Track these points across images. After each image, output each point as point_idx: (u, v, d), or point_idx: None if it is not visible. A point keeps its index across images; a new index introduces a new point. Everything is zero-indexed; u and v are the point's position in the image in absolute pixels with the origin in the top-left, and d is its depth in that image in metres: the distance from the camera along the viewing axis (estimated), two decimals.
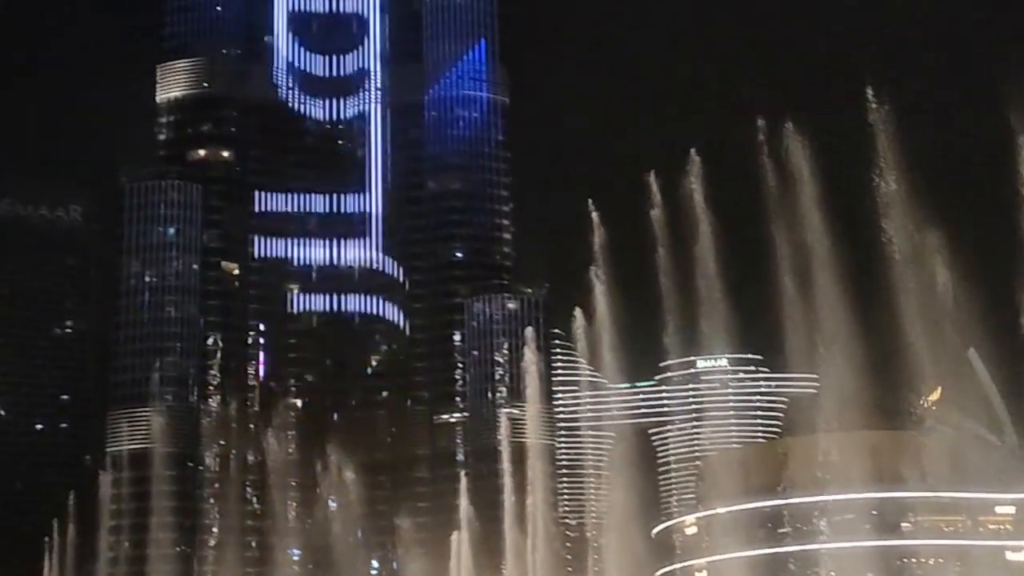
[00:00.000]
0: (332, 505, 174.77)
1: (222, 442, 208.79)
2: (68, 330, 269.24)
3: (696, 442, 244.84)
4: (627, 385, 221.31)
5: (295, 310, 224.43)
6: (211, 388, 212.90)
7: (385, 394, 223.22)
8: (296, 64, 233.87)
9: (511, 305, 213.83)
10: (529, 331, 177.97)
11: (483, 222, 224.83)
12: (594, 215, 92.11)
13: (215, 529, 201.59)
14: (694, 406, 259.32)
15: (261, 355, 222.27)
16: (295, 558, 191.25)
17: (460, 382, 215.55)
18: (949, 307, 72.36)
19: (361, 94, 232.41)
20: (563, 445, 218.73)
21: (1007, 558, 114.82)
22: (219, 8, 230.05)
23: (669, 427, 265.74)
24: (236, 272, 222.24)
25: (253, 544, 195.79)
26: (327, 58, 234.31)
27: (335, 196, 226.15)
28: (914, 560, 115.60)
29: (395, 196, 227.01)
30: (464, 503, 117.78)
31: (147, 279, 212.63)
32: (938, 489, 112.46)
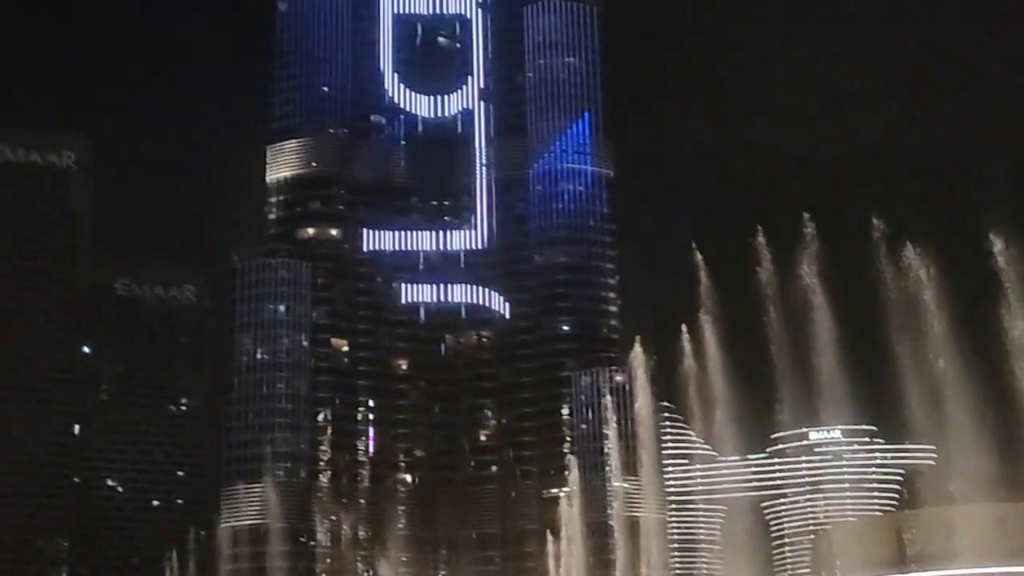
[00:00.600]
0: None
1: (333, 517, 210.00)
2: (183, 407, 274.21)
3: (811, 515, 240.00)
4: (739, 458, 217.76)
5: (404, 385, 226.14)
6: (322, 463, 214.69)
7: (494, 468, 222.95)
8: (402, 141, 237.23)
9: (619, 378, 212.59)
10: (639, 404, 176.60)
11: (589, 295, 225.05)
12: (703, 286, 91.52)
13: None
14: (808, 478, 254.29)
15: (371, 430, 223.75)
16: None
17: (569, 456, 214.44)
18: None
19: (467, 168, 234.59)
20: (675, 519, 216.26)
21: None
22: (326, 89, 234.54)
23: (783, 500, 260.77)
24: (345, 348, 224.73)
25: None
26: (434, 133, 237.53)
27: (443, 281, 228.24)
28: None
29: (502, 270, 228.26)
30: None
31: (258, 356, 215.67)
32: None
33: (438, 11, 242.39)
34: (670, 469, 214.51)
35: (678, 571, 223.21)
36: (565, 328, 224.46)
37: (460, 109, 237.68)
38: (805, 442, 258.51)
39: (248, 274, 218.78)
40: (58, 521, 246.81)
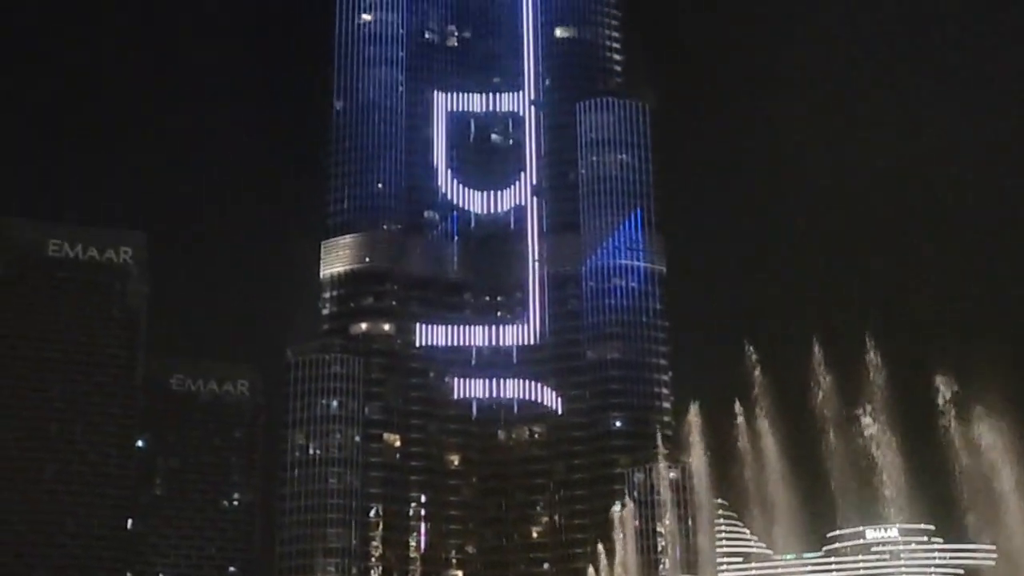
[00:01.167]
0: None
1: None
2: (235, 502, 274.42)
3: None
4: (794, 556, 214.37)
5: (456, 481, 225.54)
6: (373, 559, 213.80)
7: (546, 566, 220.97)
8: (456, 236, 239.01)
9: (672, 474, 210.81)
10: (695, 502, 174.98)
11: (642, 391, 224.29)
12: (757, 384, 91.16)
13: None
14: None
15: (422, 526, 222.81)
16: None
17: (623, 553, 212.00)
18: None
19: (519, 264, 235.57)
20: None
21: None
22: (380, 185, 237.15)
23: None
24: (397, 443, 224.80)
25: None
26: (487, 229, 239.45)
27: (495, 377, 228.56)
28: None
29: (554, 365, 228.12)
30: None
31: (311, 451, 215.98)
32: None
33: (491, 108, 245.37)
34: (725, 567, 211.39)
35: None
36: (618, 424, 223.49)
37: (513, 205, 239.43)
38: (862, 541, 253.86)
39: (301, 369, 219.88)
40: None
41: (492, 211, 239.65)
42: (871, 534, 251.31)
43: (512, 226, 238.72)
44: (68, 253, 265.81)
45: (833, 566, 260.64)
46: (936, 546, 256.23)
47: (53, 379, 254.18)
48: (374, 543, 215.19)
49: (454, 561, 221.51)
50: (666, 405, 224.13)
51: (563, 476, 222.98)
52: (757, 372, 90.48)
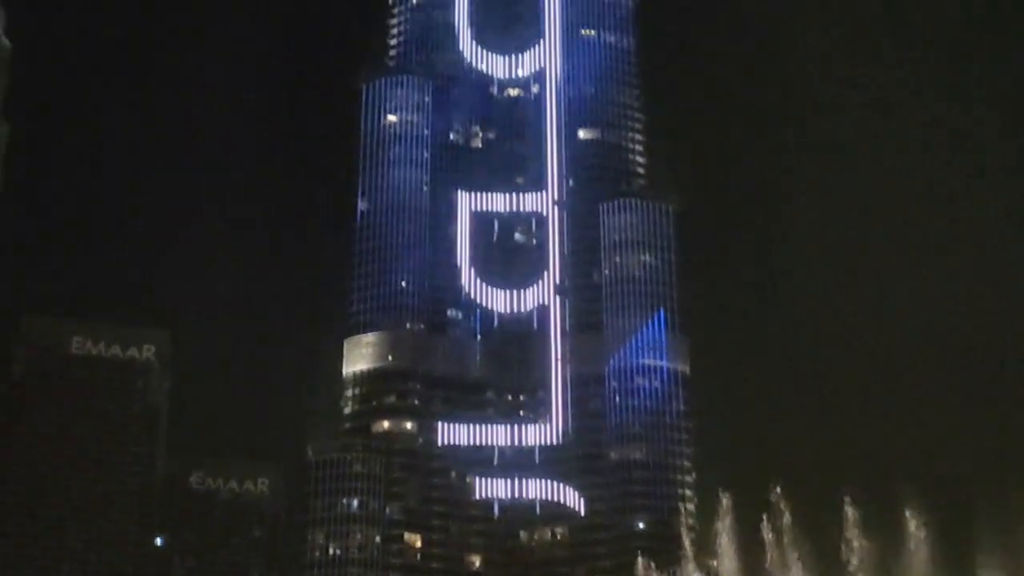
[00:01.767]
0: None
1: None
2: None
3: None
4: None
5: None
6: None
7: None
8: (479, 335, 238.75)
9: None
10: None
11: (665, 493, 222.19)
12: (782, 506, 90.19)
13: None
14: None
15: None
16: None
17: None
18: None
19: (542, 364, 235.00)
20: None
21: None
22: (404, 284, 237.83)
23: None
24: (418, 544, 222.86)
25: None
26: (510, 328, 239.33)
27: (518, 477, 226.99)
28: None
29: (577, 466, 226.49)
30: None
31: (331, 551, 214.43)
32: None
33: (515, 208, 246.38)
34: None
35: None
36: (641, 526, 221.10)
37: (536, 305, 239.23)
38: None
39: (322, 468, 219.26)
40: None
41: (515, 310, 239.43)
42: None
43: (535, 325, 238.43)
44: (91, 350, 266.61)
45: None
46: None
47: (72, 476, 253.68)
48: None
49: None
50: (690, 507, 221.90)
51: None
52: (783, 509, 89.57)
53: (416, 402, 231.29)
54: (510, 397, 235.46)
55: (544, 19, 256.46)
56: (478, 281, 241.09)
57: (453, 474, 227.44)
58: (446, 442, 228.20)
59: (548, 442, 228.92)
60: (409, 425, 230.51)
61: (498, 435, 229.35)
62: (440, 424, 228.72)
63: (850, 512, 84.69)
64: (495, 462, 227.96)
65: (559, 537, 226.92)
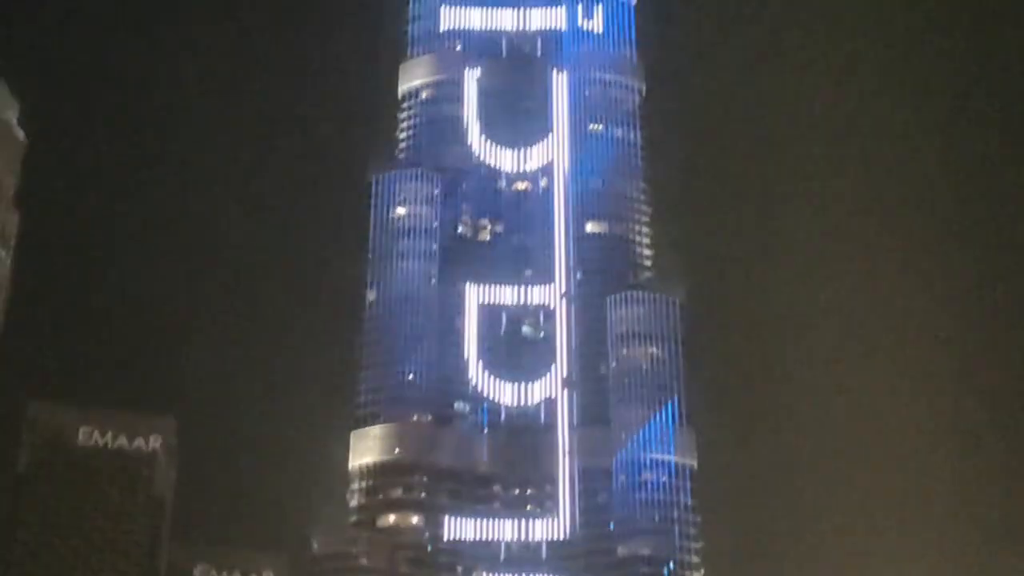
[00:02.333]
0: None
1: None
2: None
3: None
4: None
5: None
6: None
7: None
8: (485, 429, 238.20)
9: None
10: None
11: None
12: None
13: None
14: None
15: None
16: None
17: None
18: None
19: (550, 457, 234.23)
20: None
21: None
22: (411, 376, 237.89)
23: None
24: None
25: None
26: (517, 422, 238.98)
27: (525, 572, 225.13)
28: None
29: (584, 561, 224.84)
30: None
31: None
32: None
33: (523, 301, 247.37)
34: None
35: None
36: None
37: (543, 397, 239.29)
38: None
39: (328, 561, 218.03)
40: None
41: (523, 403, 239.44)
42: None
43: (542, 419, 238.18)
44: (98, 440, 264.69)
45: None
46: None
47: (76, 566, 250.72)
48: None
49: None
50: None
51: None
52: None
53: (422, 495, 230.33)
54: (517, 491, 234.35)
55: (552, 113, 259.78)
56: (486, 374, 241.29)
57: (460, 569, 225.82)
58: (452, 536, 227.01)
59: (555, 537, 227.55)
60: (415, 519, 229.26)
61: (505, 530, 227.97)
62: (446, 518, 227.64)
63: None
64: (502, 558, 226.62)
65: None
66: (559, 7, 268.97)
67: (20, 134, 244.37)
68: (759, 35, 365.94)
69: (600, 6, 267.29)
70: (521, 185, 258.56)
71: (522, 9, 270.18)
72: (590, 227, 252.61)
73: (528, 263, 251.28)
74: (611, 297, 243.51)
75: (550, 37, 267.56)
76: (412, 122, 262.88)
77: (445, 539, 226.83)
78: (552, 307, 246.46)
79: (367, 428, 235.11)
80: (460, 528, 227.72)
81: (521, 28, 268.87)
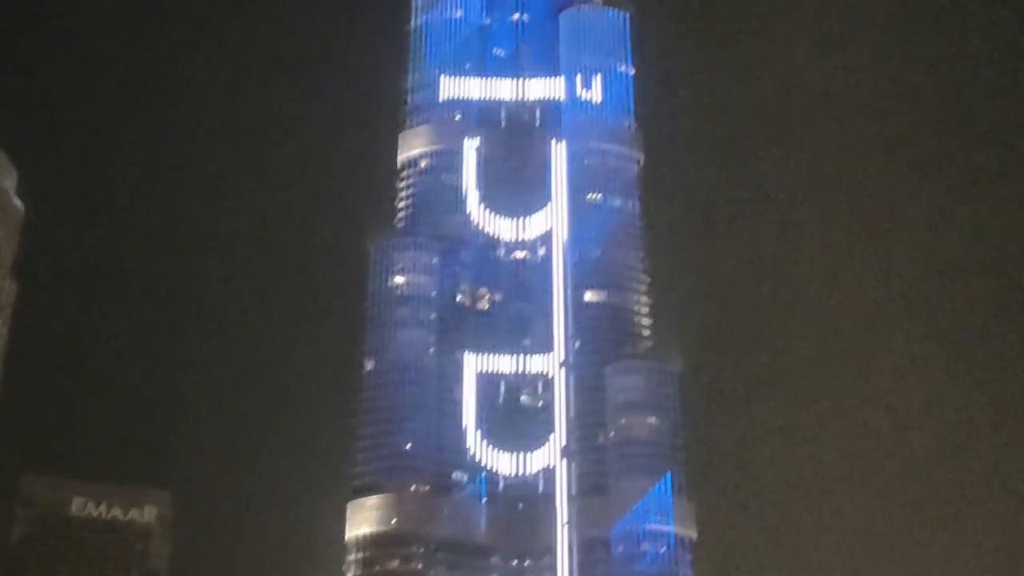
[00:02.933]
0: None
1: None
2: None
3: None
4: None
5: None
6: None
7: None
8: (484, 498, 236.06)
9: None
10: None
11: None
12: None
13: None
14: None
15: None
16: None
17: None
18: None
19: (548, 527, 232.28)
20: None
21: None
22: (408, 446, 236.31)
23: None
24: None
25: None
26: (515, 491, 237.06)
27: None
28: None
29: None
30: None
31: None
32: None
33: (521, 370, 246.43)
34: None
35: None
36: None
37: (542, 467, 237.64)
38: None
39: None
40: None
41: (521, 473, 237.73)
42: None
43: (541, 488, 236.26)
44: (92, 512, 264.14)
45: None
46: None
47: None
48: None
49: None
50: None
51: None
52: None
53: (420, 567, 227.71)
54: (515, 561, 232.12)
55: (551, 183, 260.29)
56: (484, 443, 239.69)
57: None
58: None
59: None
60: None
61: None
62: None
63: None
64: None
65: None
66: (558, 77, 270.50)
67: (18, 203, 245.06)
68: (758, 106, 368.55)
69: (599, 77, 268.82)
70: (520, 254, 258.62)
71: (521, 79, 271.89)
72: (588, 296, 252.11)
73: (526, 332, 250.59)
74: (610, 366, 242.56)
75: (549, 107, 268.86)
76: (411, 191, 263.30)
77: None
78: (551, 376, 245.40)
79: (364, 498, 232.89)
80: None
81: (520, 98, 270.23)
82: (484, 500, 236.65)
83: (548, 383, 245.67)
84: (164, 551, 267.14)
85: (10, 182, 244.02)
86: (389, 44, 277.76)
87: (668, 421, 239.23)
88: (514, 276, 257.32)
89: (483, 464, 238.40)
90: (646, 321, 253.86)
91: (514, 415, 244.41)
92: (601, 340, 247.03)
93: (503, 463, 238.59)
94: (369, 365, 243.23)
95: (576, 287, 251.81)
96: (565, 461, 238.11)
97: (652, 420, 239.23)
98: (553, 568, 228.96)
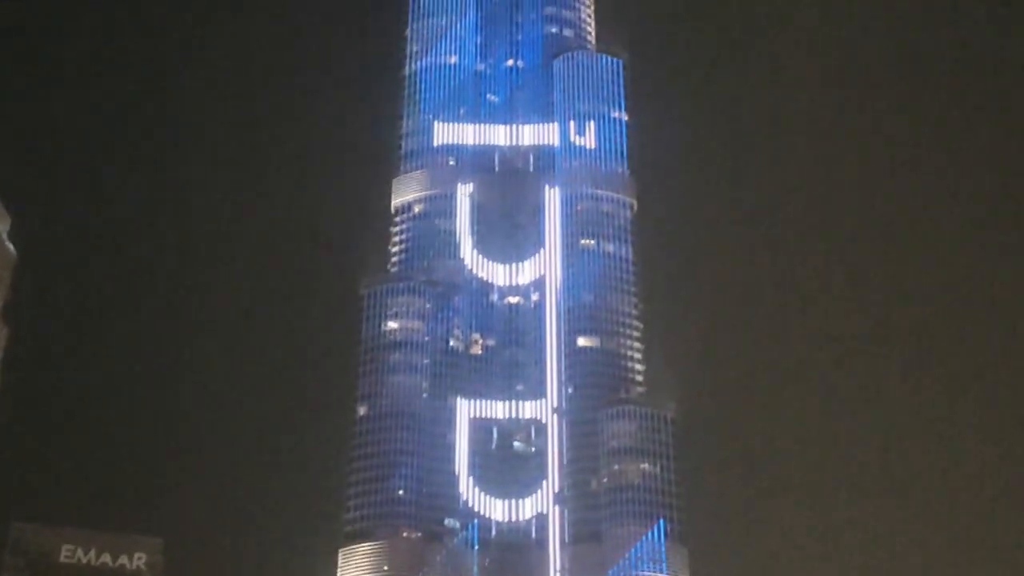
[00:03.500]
0: None
1: None
2: None
3: None
4: None
5: None
6: None
7: None
8: (476, 545, 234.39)
9: None
10: None
11: None
12: None
13: None
14: None
15: None
16: None
17: None
18: None
19: (540, 574, 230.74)
20: None
21: None
22: (400, 492, 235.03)
23: None
24: None
25: None
26: (508, 538, 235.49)
27: None
28: None
29: None
30: None
31: None
32: None
33: (514, 415, 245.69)
34: None
35: None
36: None
37: (535, 513, 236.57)
38: None
39: None
40: None
41: (514, 519, 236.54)
42: None
43: (534, 535, 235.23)
44: (81, 559, 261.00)
45: None
46: None
47: None
48: None
49: None
50: None
51: None
52: None
53: None
54: None
55: (544, 228, 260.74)
56: (476, 489, 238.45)
57: None
58: None
59: None
60: None
61: None
62: None
63: None
64: None
65: None
66: (551, 123, 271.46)
67: (10, 248, 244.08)
68: (752, 151, 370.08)
69: (592, 123, 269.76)
70: (513, 299, 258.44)
71: (515, 125, 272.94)
72: (582, 342, 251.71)
73: (519, 377, 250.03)
74: (603, 412, 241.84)
75: (543, 153, 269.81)
76: (405, 236, 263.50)
77: None
78: (543, 422, 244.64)
79: (355, 545, 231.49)
80: None
81: (514, 144, 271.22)
82: (476, 547, 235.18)
83: (541, 429, 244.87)
84: None
85: (2, 226, 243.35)
86: (383, 90, 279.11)
87: (661, 467, 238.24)
88: (507, 321, 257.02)
89: (475, 510, 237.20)
90: (639, 367, 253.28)
91: (507, 461, 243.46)
92: (594, 385, 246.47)
93: (496, 509, 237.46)
94: (362, 410, 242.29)
95: (569, 332, 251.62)
96: (558, 507, 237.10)
97: (645, 466, 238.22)
98: None
